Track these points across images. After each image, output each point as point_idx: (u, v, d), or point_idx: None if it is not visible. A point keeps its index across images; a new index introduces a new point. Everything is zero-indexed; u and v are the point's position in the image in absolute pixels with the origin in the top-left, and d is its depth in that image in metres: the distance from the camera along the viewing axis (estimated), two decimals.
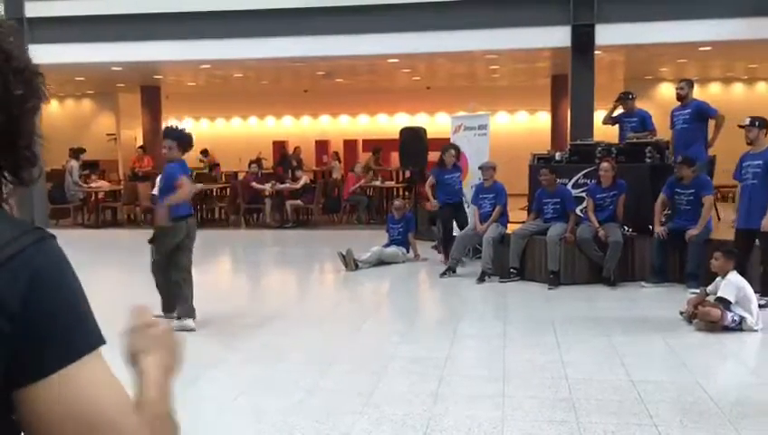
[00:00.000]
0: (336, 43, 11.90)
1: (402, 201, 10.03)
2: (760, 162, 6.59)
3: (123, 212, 14.23)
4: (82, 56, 12.77)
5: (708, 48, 12.25)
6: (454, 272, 8.28)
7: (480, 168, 8.73)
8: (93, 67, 13.89)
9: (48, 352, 0.82)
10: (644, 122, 8.90)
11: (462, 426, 3.87)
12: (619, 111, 9.32)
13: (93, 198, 14.21)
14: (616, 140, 9.14)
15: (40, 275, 0.83)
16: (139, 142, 17.71)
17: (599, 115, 10.55)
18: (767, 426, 3.84)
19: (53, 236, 0.89)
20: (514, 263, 8.00)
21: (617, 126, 9.35)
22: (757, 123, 6.70)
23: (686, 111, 8.22)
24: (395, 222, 9.54)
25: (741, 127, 6.78)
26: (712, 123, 8.26)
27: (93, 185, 14.41)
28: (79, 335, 0.84)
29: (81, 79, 16.63)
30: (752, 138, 6.70)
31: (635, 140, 8.53)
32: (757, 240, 6.59)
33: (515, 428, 3.84)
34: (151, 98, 17.70)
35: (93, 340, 0.86)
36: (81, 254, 10.85)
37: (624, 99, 9.13)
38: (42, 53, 13.56)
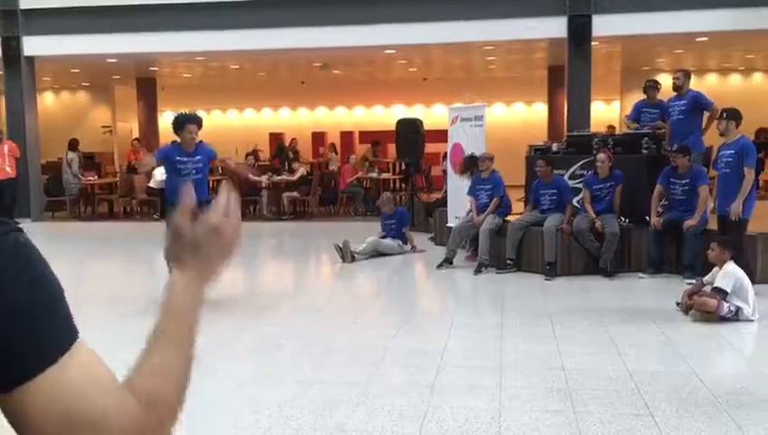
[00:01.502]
0: (332, 34, 11.87)
1: (389, 195, 9.96)
2: (732, 152, 6.81)
3: (119, 205, 14.19)
4: (78, 48, 12.72)
5: (705, 39, 12.24)
6: (450, 263, 8.28)
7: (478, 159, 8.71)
8: (89, 59, 13.84)
9: (14, 360, 0.75)
10: (664, 114, 8.69)
11: (459, 417, 3.87)
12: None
13: (90, 190, 14.19)
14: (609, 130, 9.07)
15: None
16: (135, 135, 17.67)
17: (595, 106, 10.54)
18: (763, 415, 3.85)
19: (18, 230, 0.80)
20: (511, 254, 8.00)
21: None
22: (726, 115, 6.93)
23: (683, 102, 8.20)
24: (387, 217, 9.51)
25: (711, 119, 7.00)
26: (707, 114, 8.25)
27: (91, 179, 14.39)
28: (47, 338, 0.77)
29: (77, 71, 16.56)
30: (722, 129, 6.94)
31: (655, 131, 8.35)
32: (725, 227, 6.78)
33: (512, 418, 3.84)
34: (147, 90, 17.65)
35: (63, 341, 0.79)
36: (78, 246, 10.90)
37: (651, 87, 8.76)
38: (37, 45, 13.66)
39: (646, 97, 8.87)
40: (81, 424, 0.77)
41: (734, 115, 6.90)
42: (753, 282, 6.04)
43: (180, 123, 6.51)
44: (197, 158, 6.54)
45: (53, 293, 0.80)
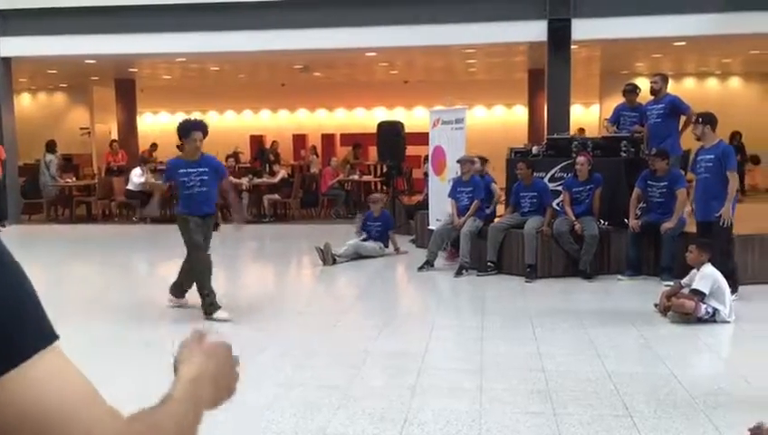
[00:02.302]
0: (313, 36, 11.85)
1: (380, 195, 9.99)
2: (712, 156, 6.77)
3: (98, 207, 14.05)
4: (55, 49, 12.59)
5: (682, 43, 12.39)
6: (431, 266, 8.30)
7: (458, 161, 8.74)
8: (67, 60, 13.70)
9: None
10: (643, 117, 8.77)
11: (440, 419, 3.88)
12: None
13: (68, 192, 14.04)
14: (590, 134, 9.15)
15: None
16: (114, 136, 17.51)
17: (575, 109, 10.61)
18: (740, 416, 3.89)
19: None
20: (492, 256, 8.03)
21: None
22: (701, 119, 6.90)
23: (660, 106, 8.28)
24: (373, 219, 9.50)
25: (687, 123, 6.98)
26: (683, 119, 8.33)
27: (69, 181, 14.25)
28: (18, 338, 0.76)
29: (54, 72, 16.39)
30: (698, 134, 6.90)
31: (633, 135, 8.43)
32: (712, 232, 6.74)
33: (492, 420, 3.85)
34: (126, 91, 17.51)
35: (37, 341, 0.77)
36: (55, 250, 10.77)
37: (631, 90, 8.85)
38: (14, 46, 13.49)
39: (626, 101, 8.95)
40: (56, 427, 0.75)
41: (709, 119, 6.90)
42: (742, 283, 6.07)
43: (186, 130, 6.10)
44: (202, 169, 6.10)
45: (22, 296, 0.78)
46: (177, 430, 0.89)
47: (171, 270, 6.65)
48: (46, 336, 0.78)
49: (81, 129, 18.97)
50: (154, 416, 0.88)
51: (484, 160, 8.90)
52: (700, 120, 6.92)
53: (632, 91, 8.88)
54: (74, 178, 14.88)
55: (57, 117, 19.27)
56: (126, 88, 17.51)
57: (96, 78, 17.48)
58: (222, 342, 1.08)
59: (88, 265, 9.90)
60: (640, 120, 8.65)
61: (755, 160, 15.80)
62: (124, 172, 14.28)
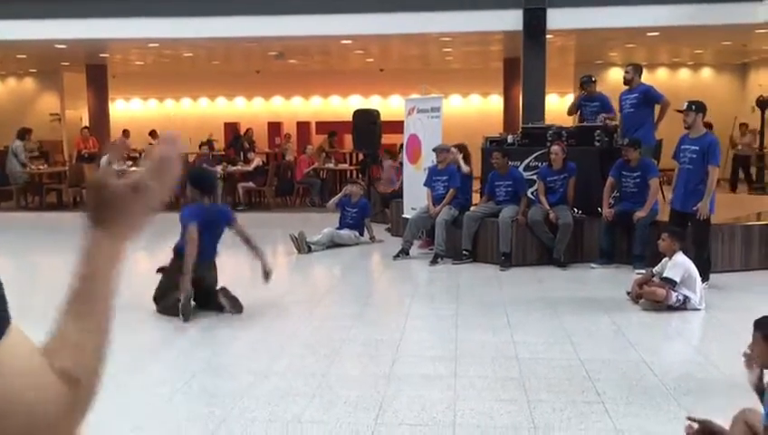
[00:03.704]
0: (288, 22, 11.74)
1: (358, 187, 9.95)
2: (696, 148, 6.73)
3: (69, 194, 13.84)
4: (24, 33, 12.31)
5: (656, 33, 12.48)
6: (407, 254, 8.31)
7: (434, 150, 8.75)
8: (36, 44, 13.41)
9: None
10: (604, 106, 8.92)
11: (414, 406, 3.89)
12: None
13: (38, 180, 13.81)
14: (565, 124, 9.22)
15: None
16: (85, 123, 17.23)
17: (550, 99, 10.66)
18: (709, 402, 3.96)
19: None
20: (467, 245, 8.06)
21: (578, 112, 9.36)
22: (694, 107, 6.80)
23: (633, 96, 8.35)
24: (351, 205, 9.49)
25: (678, 111, 6.94)
26: (658, 108, 8.42)
27: (42, 168, 14.02)
28: None
29: (23, 56, 16.06)
30: (689, 122, 6.80)
31: (606, 123, 8.54)
32: (690, 223, 6.78)
33: (467, 407, 3.88)
34: (97, 77, 17.18)
35: None
36: (24, 238, 10.58)
37: (587, 82, 9.08)
38: None
39: (585, 92, 9.10)
40: (12, 408, 0.75)
41: (701, 108, 6.80)
42: (713, 272, 6.15)
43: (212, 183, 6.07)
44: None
45: None
46: (98, 335, 0.84)
47: (141, 258, 6.58)
48: (1, 324, 0.77)
49: (52, 115, 18.64)
50: (68, 330, 0.83)
51: (462, 148, 8.86)
52: (693, 107, 6.79)
53: (588, 82, 9.10)
54: (45, 165, 14.63)
55: (26, 103, 18.91)
56: (97, 74, 17.19)
57: (67, 63, 17.16)
58: (136, 176, 0.92)
59: (58, 253, 9.74)
60: (602, 109, 8.79)
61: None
62: (95, 159, 14.07)
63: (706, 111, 6.89)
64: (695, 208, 6.65)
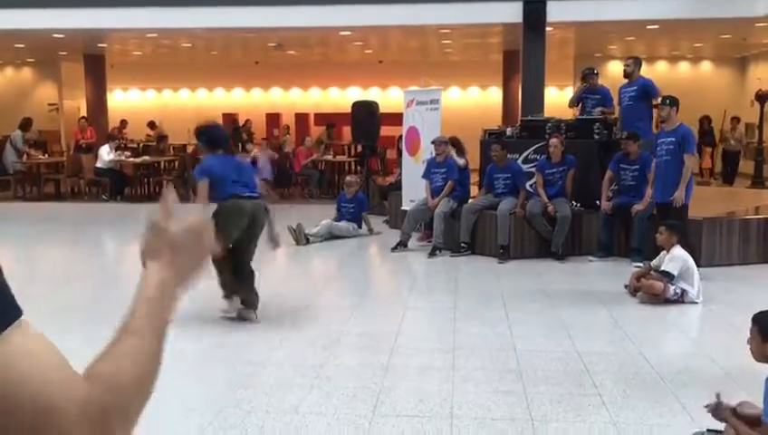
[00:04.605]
0: (287, 13, 11.69)
1: (354, 177, 9.95)
2: (672, 139, 6.91)
3: (66, 184, 13.81)
4: (22, 22, 12.25)
5: (655, 26, 12.46)
6: (405, 246, 8.31)
7: (433, 142, 8.73)
8: (34, 34, 13.35)
9: None
10: (605, 99, 8.92)
11: (412, 398, 3.90)
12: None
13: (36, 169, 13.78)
14: (564, 117, 9.21)
15: None
16: (83, 113, 17.18)
17: (549, 92, 10.63)
18: (706, 394, 3.96)
19: None
20: (465, 237, 8.06)
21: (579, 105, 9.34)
22: (668, 102, 7.03)
23: (632, 89, 8.34)
24: (347, 201, 9.47)
25: (654, 106, 7.08)
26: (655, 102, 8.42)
27: (42, 158, 13.99)
28: None
29: (21, 46, 15.99)
30: (664, 116, 7.04)
31: (605, 117, 8.56)
32: (669, 212, 6.89)
33: (464, 399, 3.89)
34: (95, 67, 17.11)
35: (6, 317, 0.77)
36: (22, 228, 10.57)
37: (589, 74, 9.07)
38: None
39: (587, 84, 9.09)
40: (22, 399, 0.74)
41: (675, 102, 7.05)
42: (699, 265, 6.21)
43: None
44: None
45: None
46: (135, 371, 0.86)
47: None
48: (11, 314, 0.77)
49: (50, 105, 18.58)
50: (115, 346, 0.86)
51: (455, 142, 8.82)
52: (668, 101, 7.04)
53: (590, 74, 9.11)
54: (46, 155, 14.59)
55: (24, 93, 18.84)
56: (95, 64, 17.12)
57: (65, 53, 17.09)
58: (193, 220, 0.99)
59: (56, 243, 9.74)
60: (603, 102, 8.79)
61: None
62: (93, 149, 14.05)
63: (679, 105, 7.07)
64: (670, 199, 6.77)
